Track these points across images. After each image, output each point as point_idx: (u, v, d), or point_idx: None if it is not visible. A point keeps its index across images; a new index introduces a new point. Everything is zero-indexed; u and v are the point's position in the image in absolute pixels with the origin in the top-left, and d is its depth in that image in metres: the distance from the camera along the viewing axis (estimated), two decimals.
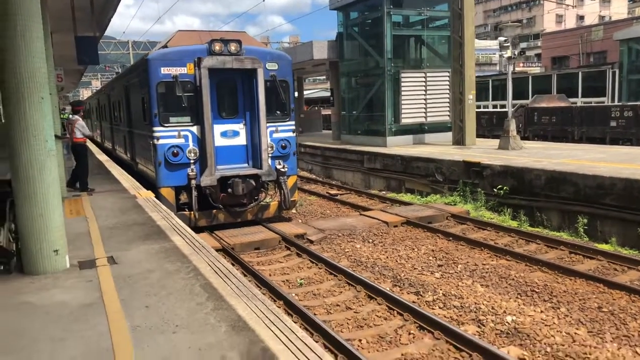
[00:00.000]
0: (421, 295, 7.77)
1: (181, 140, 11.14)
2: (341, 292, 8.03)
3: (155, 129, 11.07)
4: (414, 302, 7.40)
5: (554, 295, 7.59)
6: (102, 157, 18.93)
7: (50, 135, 5.56)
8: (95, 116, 29.90)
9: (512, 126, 16.74)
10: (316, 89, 54.86)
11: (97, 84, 67.57)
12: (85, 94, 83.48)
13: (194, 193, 11.04)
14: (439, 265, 9.17)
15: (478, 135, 19.70)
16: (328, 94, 27.77)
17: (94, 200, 9.94)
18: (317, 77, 51.30)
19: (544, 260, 8.94)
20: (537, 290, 7.78)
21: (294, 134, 12.41)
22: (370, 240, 10.92)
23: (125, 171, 14.49)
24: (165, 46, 12.00)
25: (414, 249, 10.21)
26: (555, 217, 11.72)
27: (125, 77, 16.17)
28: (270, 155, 11.70)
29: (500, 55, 18.85)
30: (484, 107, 33.06)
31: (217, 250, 9.22)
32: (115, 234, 7.23)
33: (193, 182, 11.06)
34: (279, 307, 6.15)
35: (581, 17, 70.16)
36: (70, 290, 5.02)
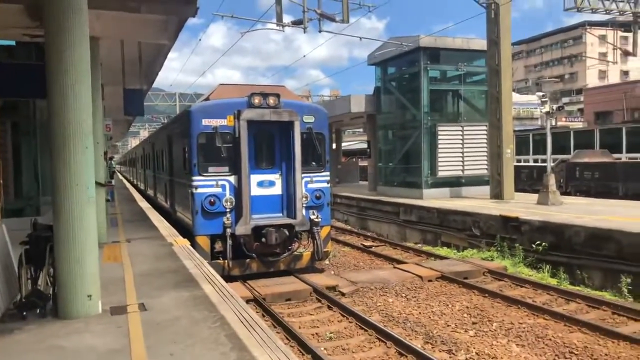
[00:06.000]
0: (453, 354, 7.53)
1: (218, 190, 11.40)
2: (371, 347, 7.87)
3: (194, 178, 11.40)
4: None
5: (594, 358, 7.24)
6: (144, 204, 19.49)
7: (92, 182, 5.82)
8: (140, 164, 31.00)
9: (552, 181, 16.41)
10: (354, 140, 55.35)
11: (145, 134, 70.22)
12: (133, 143, 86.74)
13: (229, 242, 11.17)
14: (474, 323, 8.89)
15: (518, 190, 19.36)
16: (366, 145, 28.03)
17: (132, 247, 10.21)
18: (356, 129, 51.89)
19: (584, 321, 8.56)
20: (576, 353, 7.43)
21: (329, 185, 12.53)
22: (404, 295, 10.72)
23: (165, 218, 14.85)
24: (207, 99, 12.49)
25: (448, 305, 9.96)
26: (597, 276, 11.26)
27: (168, 127, 16.83)
28: (304, 205, 11.81)
29: (541, 110, 18.73)
30: (525, 161, 32.59)
31: (248, 301, 9.29)
32: (148, 280, 7.38)
33: (228, 230, 11.22)
34: None
35: (625, 73, 69.07)
36: (100, 336, 5.13)
